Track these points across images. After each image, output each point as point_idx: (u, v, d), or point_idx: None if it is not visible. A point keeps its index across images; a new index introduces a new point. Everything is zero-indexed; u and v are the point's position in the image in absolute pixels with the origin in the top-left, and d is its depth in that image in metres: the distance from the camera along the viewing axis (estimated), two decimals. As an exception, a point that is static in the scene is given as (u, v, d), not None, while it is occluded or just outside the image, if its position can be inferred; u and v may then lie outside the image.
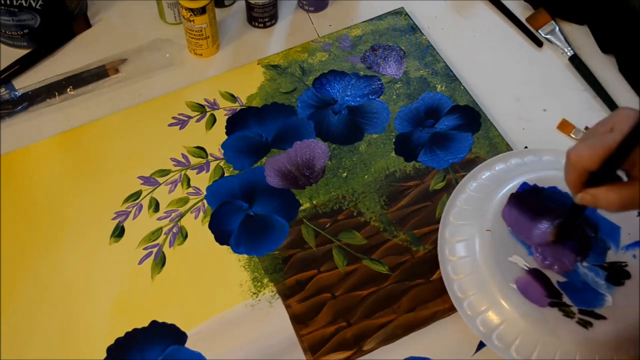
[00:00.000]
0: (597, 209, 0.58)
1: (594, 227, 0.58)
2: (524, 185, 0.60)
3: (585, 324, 0.53)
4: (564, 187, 0.60)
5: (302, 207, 0.63)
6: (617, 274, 0.56)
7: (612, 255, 0.57)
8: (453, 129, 0.69)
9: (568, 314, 0.54)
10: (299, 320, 0.57)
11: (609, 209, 0.46)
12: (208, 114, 0.70)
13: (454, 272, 0.57)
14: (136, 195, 0.64)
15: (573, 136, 0.69)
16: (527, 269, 0.56)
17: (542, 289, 0.55)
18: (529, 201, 0.59)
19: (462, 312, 0.56)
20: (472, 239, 0.58)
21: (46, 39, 0.74)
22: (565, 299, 0.55)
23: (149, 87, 0.72)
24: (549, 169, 0.62)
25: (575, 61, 0.74)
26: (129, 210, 0.63)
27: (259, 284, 0.59)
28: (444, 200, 0.63)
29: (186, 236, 0.61)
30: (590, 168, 0.46)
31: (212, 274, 0.59)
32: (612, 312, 0.54)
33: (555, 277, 0.55)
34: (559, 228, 0.57)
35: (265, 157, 0.66)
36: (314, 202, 0.64)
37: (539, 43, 0.77)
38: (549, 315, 0.54)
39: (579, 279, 0.55)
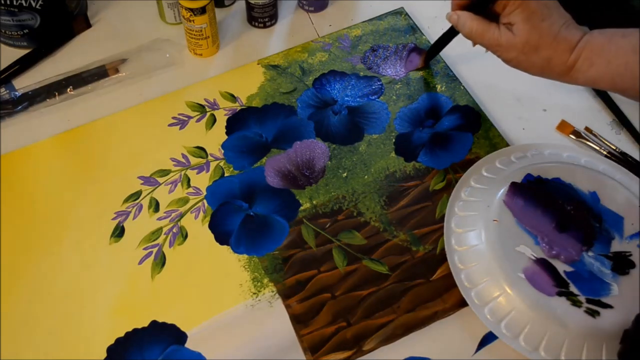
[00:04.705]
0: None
1: (598, 218, 0.59)
2: (528, 176, 0.61)
3: (593, 313, 0.54)
4: (567, 179, 0.61)
5: (302, 207, 0.63)
6: (622, 264, 0.57)
7: (616, 245, 0.58)
8: (453, 129, 0.69)
9: (576, 303, 0.54)
10: (299, 320, 0.57)
11: (464, 31, 0.62)
12: (208, 114, 0.70)
13: (460, 262, 0.58)
14: (136, 195, 0.64)
15: (572, 137, 0.69)
16: (534, 258, 0.56)
17: (549, 279, 0.56)
18: (533, 191, 0.60)
19: (470, 301, 0.56)
20: (479, 229, 0.58)
21: (46, 39, 0.74)
22: (573, 289, 0.55)
23: (149, 87, 0.72)
24: (551, 161, 0.63)
25: (575, 61, 0.74)
26: (129, 210, 0.63)
27: (259, 284, 0.59)
28: (444, 200, 0.63)
29: (186, 236, 0.61)
30: None
31: (212, 274, 0.59)
32: (618, 301, 0.55)
33: (562, 267, 0.56)
34: (427, 53, 0.73)
35: (265, 157, 0.66)
36: (314, 202, 0.64)
37: (539, 43, 0.77)
38: (557, 304, 0.54)
39: (585, 269, 0.56)
